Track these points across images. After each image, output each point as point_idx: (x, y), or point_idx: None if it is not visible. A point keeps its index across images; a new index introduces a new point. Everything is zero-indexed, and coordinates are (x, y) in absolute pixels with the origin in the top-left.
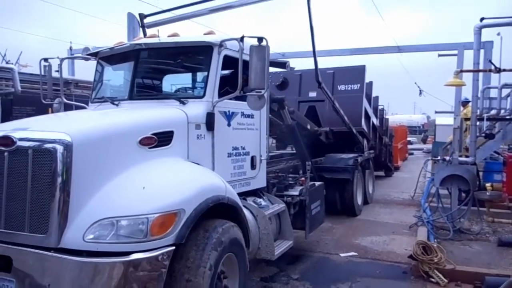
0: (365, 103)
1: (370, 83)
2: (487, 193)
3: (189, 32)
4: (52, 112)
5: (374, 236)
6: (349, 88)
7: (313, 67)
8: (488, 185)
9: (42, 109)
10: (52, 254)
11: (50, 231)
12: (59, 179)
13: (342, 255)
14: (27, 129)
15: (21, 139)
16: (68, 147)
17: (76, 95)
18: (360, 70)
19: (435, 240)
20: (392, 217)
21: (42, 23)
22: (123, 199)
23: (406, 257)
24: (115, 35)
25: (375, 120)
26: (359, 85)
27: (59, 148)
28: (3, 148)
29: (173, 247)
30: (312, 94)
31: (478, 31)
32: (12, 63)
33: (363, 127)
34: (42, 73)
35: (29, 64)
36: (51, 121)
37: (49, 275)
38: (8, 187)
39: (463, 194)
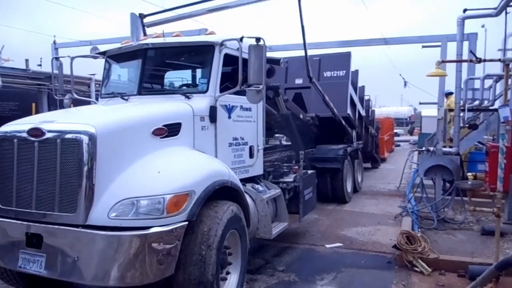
0: (350, 89)
1: (356, 72)
2: (469, 182)
3: (184, 27)
4: (37, 107)
5: (359, 227)
6: (334, 75)
7: (297, 54)
8: (469, 174)
9: (25, 104)
10: (81, 230)
11: (78, 210)
12: (85, 166)
13: (327, 246)
14: (54, 122)
15: (49, 131)
16: (92, 137)
17: (67, 90)
18: (345, 57)
19: (419, 230)
20: (378, 208)
21: (25, 16)
22: (141, 182)
23: (391, 247)
24: (98, 28)
25: (361, 109)
26: (344, 71)
27: (85, 138)
28: (33, 139)
29: (186, 223)
30: (299, 81)
31: (461, 22)
32: None
33: (349, 113)
34: (54, 71)
35: (11, 59)
36: (74, 114)
37: (77, 249)
38: (39, 173)
39: (448, 184)
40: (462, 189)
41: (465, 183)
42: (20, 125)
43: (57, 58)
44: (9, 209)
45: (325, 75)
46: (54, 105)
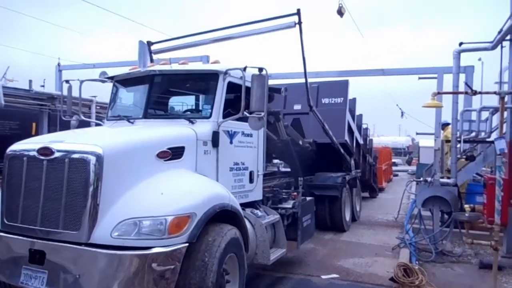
0: (348, 117)
1: (354, 100)
2: (466, 214)
3: (187, 53)
4: (37, 127)
5: (356, 257)
6: (332, 102)
7: (296, 81)
8: (467, 206)
9: (26, 124)
10: (83, 248)
11: (81, 229)
12: (91, 185)
13: (323, 277)
14: (63, 141)
15: (58, 150)
16: (99, 158)
17: (62, 111)
18: (343, 84)
19: (417, 262)
20: (375, 239)
21: (29, 38)
22: (144, 203)
23: (388, 279)
24: (102, 52)
25: (359, 137)
26: (342, 98)
27: (92, 159)
28: (42, 157)
29: (187, 245)
30: (297, 107)
31: (457, 55)
32: None
33: (346, 139)
34: (64, 93)
35: (15, 79)
36: (82, 135)
37: (79, 266)
38: (45, 191)
39: (446, 216)
40: (460, 221)
41: (462, 215)
42: (30, 144)
43: (67, 81)
44: (14, 225)
45: (323, 101)
46: (54, 125)
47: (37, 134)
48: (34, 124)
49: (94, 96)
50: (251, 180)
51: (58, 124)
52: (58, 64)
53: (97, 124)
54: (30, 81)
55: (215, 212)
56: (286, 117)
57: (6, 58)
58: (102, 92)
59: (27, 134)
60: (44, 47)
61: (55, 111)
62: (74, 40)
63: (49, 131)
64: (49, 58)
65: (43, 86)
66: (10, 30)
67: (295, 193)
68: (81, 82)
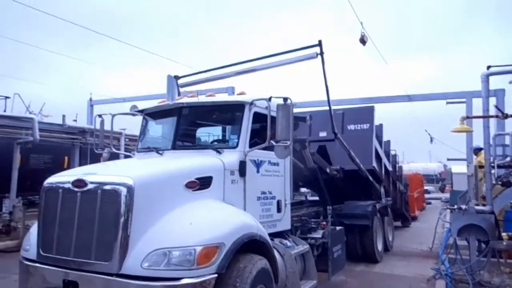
0: (375, 142)
1: (380, 126)
2: (504, 243)
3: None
4: (69, 160)
5: None
6: (358, 128)
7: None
8: (504, 234)
9: (58, 157)
10: (115, 279)
11: (113, 259)
12: (122, 216)
13: None
14: (96, 174)
15: (91, 182)
16: (130, 189)
17: (92, 143)
18: (369, 110)
19: None
20: (409, 270)
21: (62, 75)
22: (174, 233)
23: None
24: (130, 86)
25: (387, 164)
26: (368, 124)
27: (123, 190)
28: (76, 189)
29: (216, 275)
30: (322, 134)
31: (486, 78)
32: (35, 114)
33: (374, 166)
34: (97, 127)
35: (50, 114)
36: (114, 167)
37: None
38: (79, 221)
39: (483, 245)
40: (498, 250)
41: (500, 243)
42: (65, 177)
43: (100, 115)
44: (49, 256)
45: (349, 128)
46: (85, 158)
47: (69, 167)
48: (66, 158)
49: (124, 129)
50: (278, 210)
51: (89, 157)
52: (90, 99)
53: (126, 156)
54: (64, 116)
55: (244, 242)
56: (312, 144)
57: (42, 94)
58: (131, 125)
59: (59, 167)
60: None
61: (86, 144)
62: (103, 76)
63: (80, 164)
64: (81, 94)
65: (75, 120)
66: (44, 68)
67: (324, 223)
68: (113, 116)
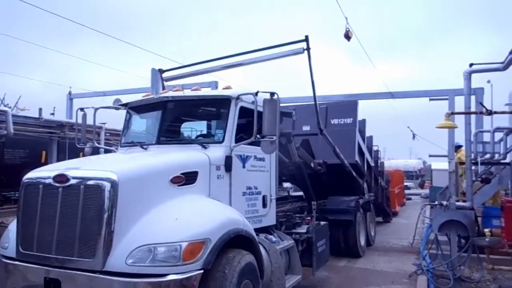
0: (358, 137)
1: (363, 121)
2: (486, 239)
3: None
4: (47, 155)
5: (372, 286)
6: (342, 122)
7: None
8: (487, 230)
9: (35, 152)
10: (98, 276)
11: (96, 256)
12: (106, 212)
13: None
14: (79, 168)
15: (74, 177)
16: (114, 184)
17: (70, 138)
18: (352, 105)
19: None
20: (391, 266)
21: (41, 67)
22: (159, 229)
23: None
24: (112, 80)
25: (369, 159)
26: (352, 119)
27: (107, 185)
28: (58, 184)
29: (202, 271)
30: (306, 128)
31: (468, 76)
32: (10, 107)
33: (357, 160)
34: (79, 121)
35: (27, 108)
36: (97, 161)
37: None
38: (60, 218)
39: (463, 240)
40: (479, 246)
41: (482, 240)
42: (45, 172)
43: (81, 109)
44: (29, 253)
45: (332, 122)
46: (64, 153)
47: (46, 162)
48: (44, 152)
49: (104, 123)
50: (264, 205)
51: (67, 151)
52: (69, 93)
53: (106, 151)
54: (40, 109)
55: (230, 237)
56: (295, 138)
57: (19, 88)
58: (112, 119)
59: (36, 162)
60: (57, 77)
61: (64, 138)
62: (84, 70)
63: (58, 159)
64: (60, 87)
65: (53, 114)
66: (24, 60)
67: (308, 218)
68: (96, 109)
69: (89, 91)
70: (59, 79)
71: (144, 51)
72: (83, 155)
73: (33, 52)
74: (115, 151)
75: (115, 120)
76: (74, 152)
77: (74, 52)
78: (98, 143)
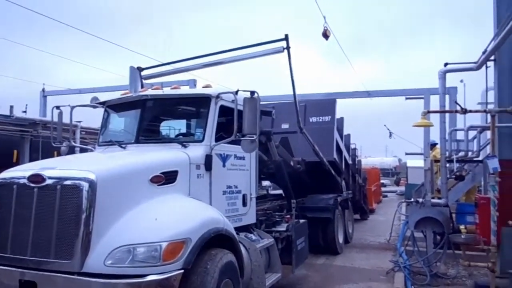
0: (336, 135)
1: (341, 119)
2: (462, 236)
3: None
4: (18, 154)
5: (350, 284)
6: (320, 120)
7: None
8: (462, 227)
9: (6, 151)
10: (76, 278)
11: (74, 257)
12: (84, 212)
13: None
14: (55, 168)
15: (50, 177)
16: (93, 184)
17: (43, 136)
18: (331, 103)
19: (413, 286)
20: (368, 263)
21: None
22: (138, 229)
23: None
24: (88, 77)
25: (347, 157)
26: (330, 117)
27: (85, 185)
28: (33, 185)
29: (182, 271)
30: (285, 126)
31: (443, 75)
32: None
33: (335, 157)
34: (55, 119)
35: None
36: (75, 161)
37: None
38: (36, 219)
39: (438, 237)
40: (455, 243)
41: (458, 237)
42: (19, 172)
43: (58, 107)
44: (3, 255)
45: (310, 120)
46: (36, 152)
47: (18, 161)
48: (15, 152)
49: (79, 121)
50: (244, 204)
51: (41, 151)
52: (43, 90)
53: (83, 150)
54: (11, 107)
55: (210, 236)
56: (274, 136)
57: None
58: (87, 117)
59: (8, 162)
60: (27, 73)
61: (37, 137)
62: (58, 66)
63: (31, 159)
64: (32, 84)
65: (25, 111)
66: None
67: (288, 216)
68: (72, 108)
69: (64, 88)
70: (31, 76)
71: (122, 48)
72: (58, 155)
73: (2, 47)
74: (92, 150)
75: (90, 118)
76: (48, 151)
77: (47, 48)
78: (74, 142)
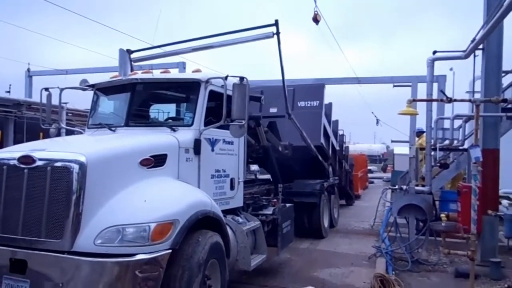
0: (324, 120)
1: (330, 104)
2: (442, 224)
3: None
4: (2, 135)
5: (332, 268)
6: (308, 105)
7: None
8: (443, 215)
9: None
10: (66, 256)
11: (64, 237)
12: (74, 194)
13: None
14: (45, 150)
15: (40, 159)
16: (83, 166)
17: (28, 117)
18: (319, 88)
19: (394, 272)
20: (351, 248)
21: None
22: (128, 210)
23: None
24: (73, 57)
25: (335, 142)
26: (318, 102)
27: (75, 167)
28: (23, 166)
29: (170, 251)
30: (273, 110)
31: (431, 63)
32: None
33: (322, 142)
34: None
35: None
36: (65, 143)
37: (62, 275)
38: (27, 200)
39: (421, 224)
40: (435, 230)
41: (439, 224)
42: (9, 153)
43: (46, 89)
44: None
45: (299, 104)
46: (21, 132)
47: (2, 142)
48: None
49: (65, 103)
50: (232, 187)
51: (25, 132)
52: (28, 70)
53: (70, 132)
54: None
55: (198, 218)
56: (262, 120)
57: None
58: (74, 99)
59: None
60: (11, 52)
61: (22, 118)
62: (44, 46)
63: (16, 140)
64: (17, 63)
65: (8, 92)
66: None
67: (275, 200)
68: (61, 90)
69: (50, 68)
70: (15, 55)
71: (109, 29)
72: (44, 136)
73: None
74: (81, 132)
75: (76, 100)
76: (32, 133)
77: (31, 27)
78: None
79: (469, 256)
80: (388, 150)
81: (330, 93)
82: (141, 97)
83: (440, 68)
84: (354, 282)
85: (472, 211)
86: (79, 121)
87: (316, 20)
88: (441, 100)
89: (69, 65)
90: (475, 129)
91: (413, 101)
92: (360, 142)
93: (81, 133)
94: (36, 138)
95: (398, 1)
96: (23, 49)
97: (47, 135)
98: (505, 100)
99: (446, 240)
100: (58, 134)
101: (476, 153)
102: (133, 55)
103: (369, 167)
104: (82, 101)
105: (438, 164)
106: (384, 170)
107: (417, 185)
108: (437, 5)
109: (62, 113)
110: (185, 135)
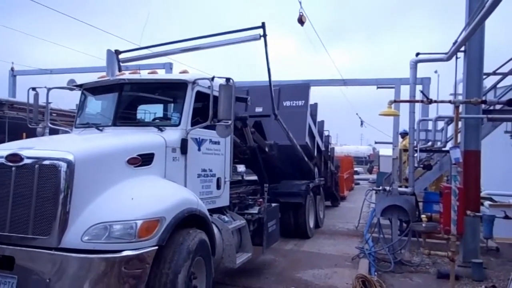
0: (309, 120)
1: (315, 105)
2: (423, 225)
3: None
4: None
5: (316, 269)
6: (294, 104)
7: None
8: (423, 216)
9: None
10: (54, 253)
11: (52, 234)
12: (62, 192)
13: None
14: (33, 148)
15: (28, 157)
16: (71, 164)
17: (10, 117)
18: (304, 88)
19: (376, 273)
20: (335, 249)
21: None
22: (115, 208)
23: None
24: (57, 56)
25: (320, 142)
26: (303, 101)
27: (63, 166)
28: (11, 164)
29: (156, 248)
30: (259, 109)
31: (414, 65)
32: None
33: (307, 141)
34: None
35: None
36: (52, 142)
37: (49, 271)
38: (14, 197)
39: (404, 225)
40: (417, 231)
41: (419, 225)
42: None
43: (33, 89)
44: None
45: (284, 104)
46: (3, 132)
47: None
48: None
49: (50, 102)
50: (218, 187)
51: (7, 131)
52: (12, 69)
53: (55, 131)
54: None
55: (184, 216)
56: (248, 120)
57: None
58: (58, 100)
59: None
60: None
61: (3, 117)
62: (28, 45)
63: None
64: (1, 62)
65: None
66: None
67: (260, 200)
68: (49, 89)
69: (34, 68)
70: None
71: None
72: (27, 136)
73: None
74: (68, 132)
75: (60, 100)
76: (15, 133)
77: (15, 26)
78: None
79: (450, 257)
80: (375, 151)
81: (318, 95)
82: (128, 97)
83: (426, 70)
84: (336, 283)
85: (452, 212)
86: (63, 121)
87: (301, 21)
88: (422, 101)
89: (54, 65)
90: (455, 130)
91: (394, 102)
92: (347, 144)
93: (67, 132)
94: (19, 138)
95: (387, 2)
96: (7, 48)
97: (30, 135)
98: (484, 102)
99: (428, 241)
100: (44, 134)
101: (456, 154)
102: (121, 56)
103: (355, 169)
104: (67, 101)
105: (422, 166)
106: (370, 171)
107: (400, 186)
108: (424, 6)
109: (46, 113)
110: (172, 135)
